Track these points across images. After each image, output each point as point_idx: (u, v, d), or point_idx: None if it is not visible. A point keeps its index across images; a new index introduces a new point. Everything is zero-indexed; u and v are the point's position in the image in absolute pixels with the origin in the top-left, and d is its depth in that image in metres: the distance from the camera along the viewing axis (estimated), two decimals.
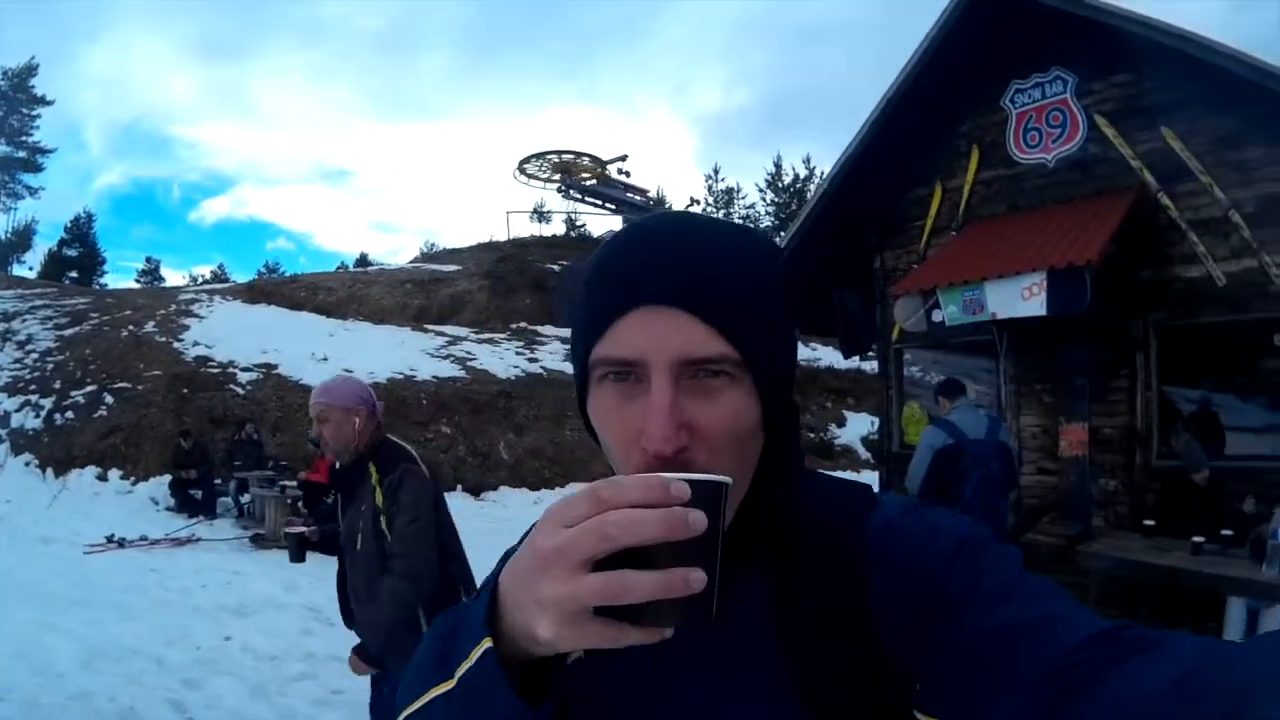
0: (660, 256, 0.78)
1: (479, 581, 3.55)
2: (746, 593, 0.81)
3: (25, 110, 48.26)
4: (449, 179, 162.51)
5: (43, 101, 48.99)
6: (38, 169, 49.78)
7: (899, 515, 0.85)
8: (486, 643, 0.69)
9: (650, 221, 0.84)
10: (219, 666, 6.71)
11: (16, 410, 15.42)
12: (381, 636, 3.30)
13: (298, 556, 3.88)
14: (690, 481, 0.62)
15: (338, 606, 3.72)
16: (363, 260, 54.69)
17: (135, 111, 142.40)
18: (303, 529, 3.91)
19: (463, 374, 21.19)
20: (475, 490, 16.96)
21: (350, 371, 18.62)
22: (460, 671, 0.72)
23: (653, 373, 0.75)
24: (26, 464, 14.14)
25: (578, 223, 41.33)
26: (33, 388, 16.31)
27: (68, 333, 19.19)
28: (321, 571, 5.97)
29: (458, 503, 15.46)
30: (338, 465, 3.50)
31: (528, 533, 0.84)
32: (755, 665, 0.80)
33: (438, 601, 3.30)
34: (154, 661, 6.74)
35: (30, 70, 47.86)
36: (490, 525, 13.57)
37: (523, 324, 27.90)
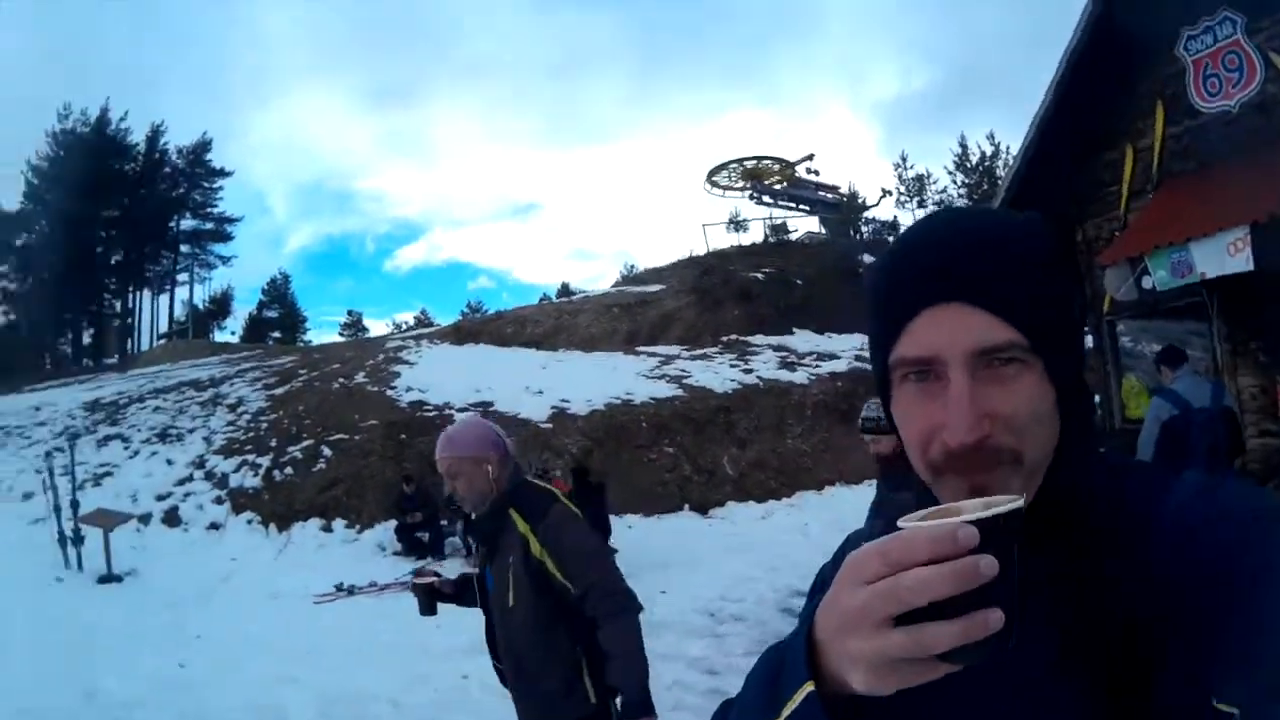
0: (937, 257, 0.84)
1: None
2: (1035, 578, 0.75)
3: (206, 184, 53.17)
4: (638, 199, 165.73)
5: (221, 173, 54.27)
6: (227, 238, 54.97)
7: (1194, 496, 0.84)
8: (809, 686, 0.72)
9: (920, 224, 0.92)
10: (458, 706, 6.67)
11: (234, 471, 16.09)
12: (639, 679, 3.07)
13: (428, 609, 3.65)
14: (978, 522, 0.63)
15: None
16: (565, 290, 56.71)
17: (316, 171, 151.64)
18: (432, 579, 3.79)
19: (680, 393, 21.17)
20: (702, 508, 16.98)
21: (567, 402, 18.80)
22: (786, 712, 0.74)
23: (950, 368, 0.81)
24: (249, 522, 14.67)
25: (790, 228, 41.36)
26: (249, 447, 17.05)
27: (278, 391, 20.15)
28: None
29: (686, 522, 15.94)
30: (473, 516, 3.37)
31: (839, 552, 1.05)
32: (1038, 652, 0.80)
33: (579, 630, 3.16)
34: (390, 705, 6.77)
35: (204, 146, 53.24)
36: (722, 543, 13.49)
37: (733, 336, 27.82)
